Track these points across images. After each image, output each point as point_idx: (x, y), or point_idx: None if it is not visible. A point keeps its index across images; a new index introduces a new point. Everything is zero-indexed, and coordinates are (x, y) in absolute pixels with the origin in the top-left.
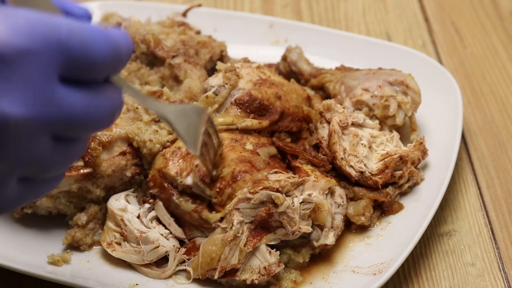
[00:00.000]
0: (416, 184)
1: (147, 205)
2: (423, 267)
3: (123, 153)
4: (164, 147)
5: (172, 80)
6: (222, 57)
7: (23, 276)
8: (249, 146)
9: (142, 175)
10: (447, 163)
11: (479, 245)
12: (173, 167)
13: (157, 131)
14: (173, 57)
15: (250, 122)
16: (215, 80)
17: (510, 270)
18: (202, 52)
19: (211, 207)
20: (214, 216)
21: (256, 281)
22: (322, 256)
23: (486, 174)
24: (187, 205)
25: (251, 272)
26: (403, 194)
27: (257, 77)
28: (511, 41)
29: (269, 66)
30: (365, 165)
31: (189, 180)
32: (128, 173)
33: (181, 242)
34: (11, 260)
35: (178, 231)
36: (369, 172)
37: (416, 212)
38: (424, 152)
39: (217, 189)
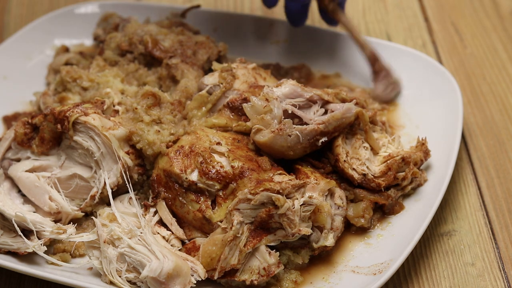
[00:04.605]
0: (419, 185)
1: (152, 210)
2: (423, 267)
3: (126, 153)
4: (167, 146)
5: (169, 80)
6: (220, 58)
7: (23, 276)
8: (251, 146)
9: (145, 175)
10: (447, 163)
11: (479, 245)
12: (177, 165)
13: (159, 131)
14: (171, 57)
15: (244, 125)
16: (210, 79)
17: (510, 270)
18: (200, 52)
19: (214, 203)
20: (217, 216)
21: (255, 282)
22: (322, 256)
23: (486, 174)
24: (192, 204)
25: (251, 272)
26: (405, 195)
27: (252, 78)
28: (511, 41)
29: (267, 66)
30: (367, 167)
31: (194, 176)
32: (134, 175)
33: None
34: (11, 260)
35: (180, 232)
36: (371, 175)
37: (416, 212)
38: (426, 153)
39: (224, 182)
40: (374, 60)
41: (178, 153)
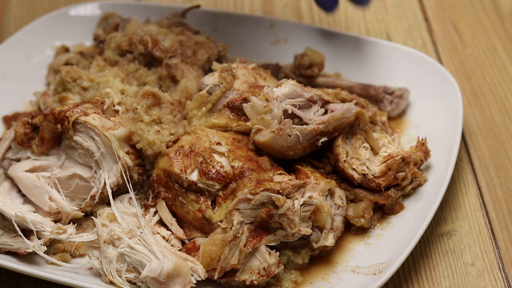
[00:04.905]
0: (419, 185)
1: (152, 210)
2: (423, 267)
3: (126, 153)
4: (167, 146)
5: (169, 80)
6: (220, 58)
7: (23, 276)
8: (251, 146)
9: (145, 175)
10: (447, 163)
11: (479, 245)
12: (177, 165)
13: (159, 131)
14: (171, 57)
15: (244, 125)
16: (211, 79)
17: (510, 270)
18: (200, 52)
19: (214, 203)
20: (217, 216)
21: (255, 282)
22: (322, 256)
23: (486, 174)
24: (192, 204)
25: (251, 272)
26: (405, 195)
27: (252, 78)
28: (511, 41)
29: (267, 66)
30: (367, 167)
31: (194, 176)
32: (134, 175)
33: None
34: (11, 260)
35: (180, 232)
36: (371, 175)
37: (416, 212)
38: (426, 153)
39: (224, 182)
40: (366, 89)
41: (178, 153)
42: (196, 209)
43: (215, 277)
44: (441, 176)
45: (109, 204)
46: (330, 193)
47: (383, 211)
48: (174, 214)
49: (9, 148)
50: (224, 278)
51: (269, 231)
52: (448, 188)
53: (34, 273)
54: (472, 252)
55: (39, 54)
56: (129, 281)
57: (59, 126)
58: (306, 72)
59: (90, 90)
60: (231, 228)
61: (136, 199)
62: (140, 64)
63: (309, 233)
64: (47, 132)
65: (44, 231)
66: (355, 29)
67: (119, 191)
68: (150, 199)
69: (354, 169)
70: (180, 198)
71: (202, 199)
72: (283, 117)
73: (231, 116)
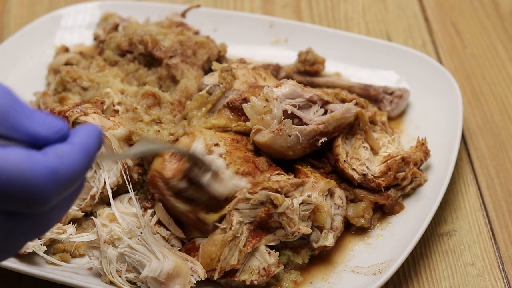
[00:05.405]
0: (419, 185)
1: (150, 211)
2: (423, 267)
3: None
4: None
5: (169, 80)
6: (220, 58)
7: (23, 276)
8: (250, 147)
9: (145, 175)
10: (447, 163)
11: (479, 245)
12: (169, 169)
13: (158, 131)
14: (171, 57)
15: (244, 126)
16: (211, 79)
17: (510, 270)
18: (200, 52)
19: (208, 208)
20: (211, 217)
21: (255, 282)
22: (322, 256)
23: (486, 174)
24: (183, 206)
25: (251, 272)
26: (405, 195)
27: (252, 78)
28: (511, 41)
29: (267, 66)
30: (367, 167)
31: (182, 184)
32: (134, 175)
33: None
34: (11, 260)
35: (178, 231)
36: (371, 175)
37: (416, 212)
38: (426, 153)
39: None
40: (366, 89)
41: (173, 155)
42: (187, 211)
43: (215, 278)
44: (441, 176)
45: (109, 204)
46: (330, 193)
47: (383, 211)
48: (171, 214)
49: None
50: (224, 278)
51: (269, 231)
52: (448, 188)
53: (34, 273)
54: (472, 252)
55: (39, 54)
56: (129, 281)
57: None
58: (311, 68)
59: (90, 90)
60: (230, 228)
61: (136, 199)
62: (140, 64)
63: (309, 233)
64: None
65: None
66: (355, 29)
67: (119, 191)
68: (148, 201)
69: (354, 169)
70: (171, 201)
71: (193, 204)
72: (283, 117)
73: (231, 116)
